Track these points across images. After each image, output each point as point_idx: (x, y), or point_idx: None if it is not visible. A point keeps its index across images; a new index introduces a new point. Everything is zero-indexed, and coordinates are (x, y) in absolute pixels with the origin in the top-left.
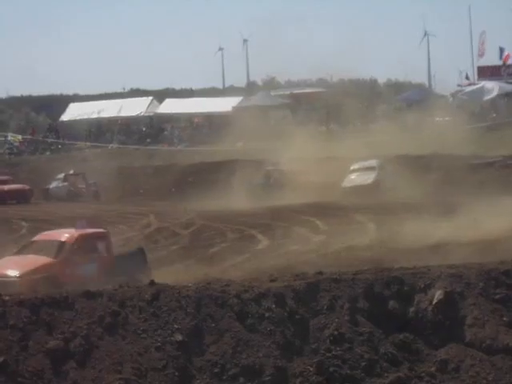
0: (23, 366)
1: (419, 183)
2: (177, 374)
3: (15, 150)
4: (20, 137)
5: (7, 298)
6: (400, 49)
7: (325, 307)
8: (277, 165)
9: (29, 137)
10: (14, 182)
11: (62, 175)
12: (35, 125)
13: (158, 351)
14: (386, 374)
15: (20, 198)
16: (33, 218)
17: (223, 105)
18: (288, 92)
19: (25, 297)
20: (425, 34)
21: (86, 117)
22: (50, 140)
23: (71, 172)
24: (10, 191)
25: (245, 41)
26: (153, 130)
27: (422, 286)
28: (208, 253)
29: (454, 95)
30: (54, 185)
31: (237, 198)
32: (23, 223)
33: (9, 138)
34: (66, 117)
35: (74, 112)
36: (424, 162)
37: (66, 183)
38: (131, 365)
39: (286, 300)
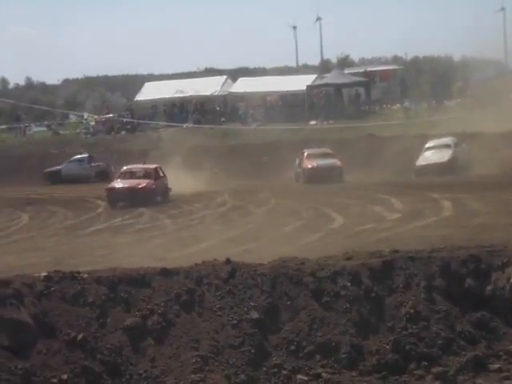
0: (102, 342)
1: (495, 161)
2: (253, 351)
3: (91, 130)
4: (95, 117)
5: (86, 275)
6: (476, 25)
7: (401, 285)
8: None
9: (104, 116)
10: None
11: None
12: (110, 104)
13: (234, 329)
14: (463, 353)
15: None
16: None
17: (297, 83)
18: (362, 70)
19: (102, 274)
20: (501, 9)
21: (160, 96)
22: (125, 120)
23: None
24: None
25: (318, 19)
26: (227, 109)
27: (500, 263)
28: (282, 231)
29: None
30: None
31: None
32: (99, 202)
33: (85, 117)
34: (140, 96)
35: (148, 92)
36: (501, 139)
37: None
38: (208, 342)
39: (361, 278)
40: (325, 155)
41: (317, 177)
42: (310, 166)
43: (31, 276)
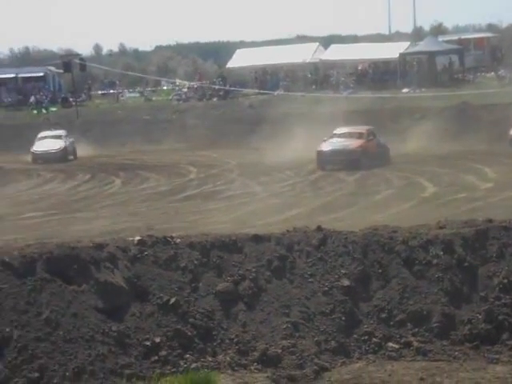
0: (194, 307)
1: None
2: (344, 318)
3: (183, 97)
4: (187, 83)
5: (178, 240)
6: None
7: (494, 255)
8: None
9: (196, 83)
10: None
11: None
12: (202, 71)
13: (325, 296)
14: None
15: None
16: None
17: (389, 51)
18: (456, 37)
19: (195, 239)
20: None
21: (252, 63)
22: (216, 86)
23: None
24: None
25: None
26: (318, 76)
27: None
28: (373, 199)
29: None
30: None
31: (403, 145)
32: (191, 168)
33: (177, 83)
34: (232, 63)
35: (240, 58)
36: None
37: None
38: (298, 308)
39: (454, 247)
40: (350, 135)
41: (324, 162)
42: (318, 149)
43: (125, 240)
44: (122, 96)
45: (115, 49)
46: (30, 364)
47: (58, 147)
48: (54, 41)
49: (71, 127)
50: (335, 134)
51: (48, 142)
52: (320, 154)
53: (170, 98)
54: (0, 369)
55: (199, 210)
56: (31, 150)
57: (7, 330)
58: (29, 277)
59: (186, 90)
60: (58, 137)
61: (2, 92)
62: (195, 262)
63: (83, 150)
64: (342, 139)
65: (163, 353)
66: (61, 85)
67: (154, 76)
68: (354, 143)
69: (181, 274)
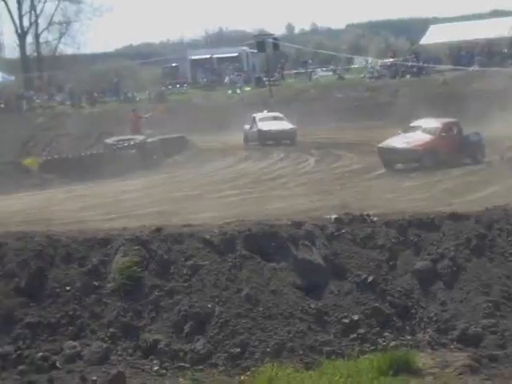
0: (392, 285)
1: None
2: None
3: (376, 74)
4: (379, 61)
5: (376, 218)
6: None
7: None
8: None
9: (388, 60)
10: None
11: None
12: (394, 47)
13: None
14: None
15: None
16: None
17: None
18: None
19: (392, 217)
20: None
21: (446, 39)
22: (409, 63)
23: None
24: None
25: None
26: None
27: None
28: None
29: None
30: None
31: None
32: None
33: (369, 61)
34: (426, 40)
35: (434, 35)
36: None
37: None
38: (499, 287)
39: None
40: (422, 130)
41: (387, 161)
42: (378, 145)
43: (322, 218)
44: (315, 74)
45: (307, 28)
46: (231, 340)
47: (291, 127)
48: (247, 21)
49: (265, 107)
50: (411, 126)
51: (277, 123)
52: (380, 151)
53: (363, 75)
54: (203, 343)
55: (393, 188)
56: (260, 129)
57: (209, 305)
58: (229, 254)
59: (378, 67)
60: (281, 118)
61: (198, 72)
62: (393, 240)
63: None
64: (411, 134)
65: (361, 331)
66: (254, 65)
67: (345, 54)
68: (419, 141)
69: (378, 252)
